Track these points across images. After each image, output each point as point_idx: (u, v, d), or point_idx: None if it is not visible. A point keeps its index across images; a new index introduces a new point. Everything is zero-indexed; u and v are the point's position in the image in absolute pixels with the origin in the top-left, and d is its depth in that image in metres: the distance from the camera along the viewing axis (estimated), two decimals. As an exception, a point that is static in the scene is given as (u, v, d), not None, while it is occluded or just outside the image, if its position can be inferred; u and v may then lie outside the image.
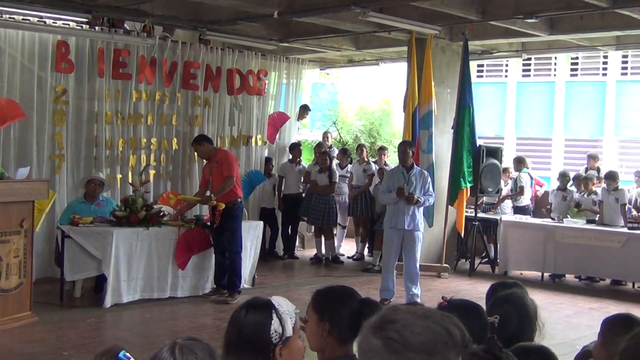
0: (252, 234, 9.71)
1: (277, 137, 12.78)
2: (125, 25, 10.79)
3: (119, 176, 10.40)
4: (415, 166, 9.26)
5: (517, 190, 12.09)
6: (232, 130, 11.98)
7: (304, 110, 13.90)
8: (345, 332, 2.89)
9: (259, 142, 12.31)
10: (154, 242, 8.72)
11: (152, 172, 10.78)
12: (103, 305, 8.26)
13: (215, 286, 9.17)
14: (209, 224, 9.08)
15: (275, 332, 2.55)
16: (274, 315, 2.57)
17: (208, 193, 9.10)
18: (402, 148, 9.28)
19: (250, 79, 11.97)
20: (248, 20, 10.77)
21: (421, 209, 9.15)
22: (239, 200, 9.05)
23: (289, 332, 2.58)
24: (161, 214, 8.97)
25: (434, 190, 10.65)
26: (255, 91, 12.10)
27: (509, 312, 3.20)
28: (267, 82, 12.36)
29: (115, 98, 10.36)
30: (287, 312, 2.61)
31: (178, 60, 11.02)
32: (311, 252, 12.55)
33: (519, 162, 12.35)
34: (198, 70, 11.29)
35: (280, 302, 2.64)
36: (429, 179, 9.17)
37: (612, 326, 2.92)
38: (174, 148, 11.16)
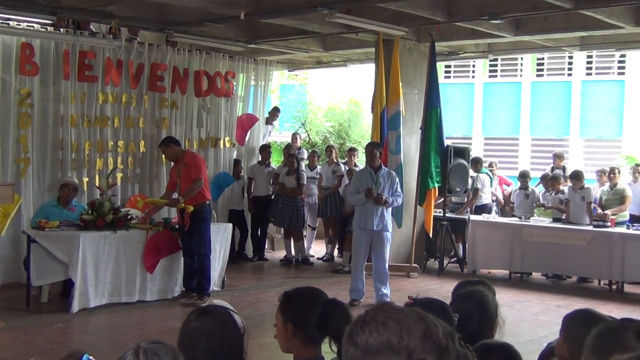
0: (221, 236, 9.68)
1: (246, 139, 12.75)
2: (91, 27, 10.68)
3: (85, 179, 10.28)
4: (383, 167, 9.29)
5: (473, 193, 12.19)
6: (200, 133, 11.94)
7: (275, 112, 13.91)
8: (312, 333, 2.89)
9: (228, 144, 12.28)
10: (122, 245, 8.65)
11: (119, 175, 10.69)
12: (70, 310, 8.17)
13: (184, 289, 9.12)
14: (177, 226, 9.03)
15: (241, 327, 2.64)
16: (232, 313, 2.62)
17: (176, 195, 9.04)
18: (370, 149, 9.32)
19: (218, 80, 11.94)
20: (215, 21, 10.73)
21: (390, 209, 9.19)
22: (208, 202, 9.01)
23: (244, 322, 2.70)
24: (129, 217, 8.90)
25: (402, 190, 10.72)
26: (223, 93, 12.06)
27: (469, 309, 3.23)
28: (235, 83, 12.34)
29: (81, 100, 10.25)
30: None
31: (145, 62, 10.95)
32: (281, 253, 12.54)
33: (476, 163, 12.48)
34: (165, 72, 11.23)
35: (222, 303, 2.72)
36: (397, 180, 9.21)
37: (573, 322, 2.97)
38: (141, 151, 11.07)
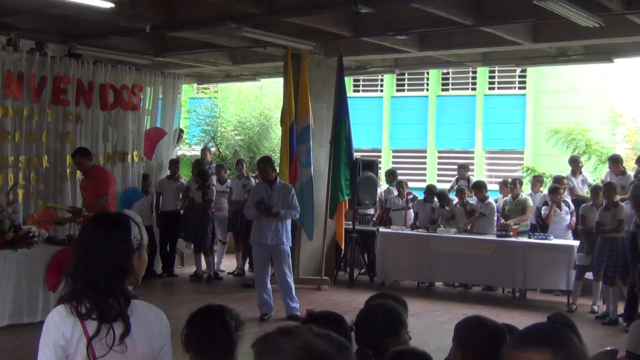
0: (128, 252, 9.45)
1: (155, 153, 12.57)
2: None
3: (-16, 196, 9.90)
4: (278, 181, 9.26)
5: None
6: (107, 147, 11.68)
7: (180, 132, 13.91)
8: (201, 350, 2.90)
9: (136, 159, 12.06)
10: (23, 264, 8.34)
11: (20, 191, 10.34)
12: (-32, 333, 7.83)
13: (89, 308, 8.86)
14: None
15: (135, 238, 2.61)
16: (132, 224, 2.58)
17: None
18: (260, 166, 9.35)
19: (125, 94, 11.72)
20: (121, 34, 10.57)
21: (287, 223, 9.13)
22: (113, 218, 8.81)
23: (145, 239, 2.68)
24: (31, 234, 8.61)
25: (312, 206, 10.81)
26: (130, 106, 11.86)
27: (376, 322, 3.28)
28: (142, 97, 12.14)
29: (-21, 115, 9.89)
30: (140, 222, 2.68)
31: (47, 74, 10.65)
32: (191, 269, 12.39)
33: (390, 175, 12.78)
34: (69, 85, 10.94)
35: (133, 214, 2.69)
36: (292, 192, 9.16)
37: (464, 328, 3.06)
38: (44, 166, 10.75)
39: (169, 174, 12.33)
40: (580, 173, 11.87)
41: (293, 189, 9.32)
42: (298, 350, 1.63)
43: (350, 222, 11.73)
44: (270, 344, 1.67)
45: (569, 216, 10.98)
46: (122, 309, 2.51)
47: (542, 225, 11.27)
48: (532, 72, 17.28)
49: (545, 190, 12.64)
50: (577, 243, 10.25)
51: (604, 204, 9.65)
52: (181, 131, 14.16)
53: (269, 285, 9.17)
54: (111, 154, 11.70)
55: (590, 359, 3.99)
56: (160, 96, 12.75)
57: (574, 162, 11.96)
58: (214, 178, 12.51)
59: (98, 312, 2.49)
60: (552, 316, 2.03)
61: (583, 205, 10.32)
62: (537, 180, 12.31)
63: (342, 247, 11.70)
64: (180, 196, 12.13)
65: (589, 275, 10.05)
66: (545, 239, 10.62)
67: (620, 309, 9.30)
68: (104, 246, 2.55)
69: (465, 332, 2.97)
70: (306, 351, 1.63)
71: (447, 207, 11.96)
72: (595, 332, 8.88)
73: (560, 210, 10.90)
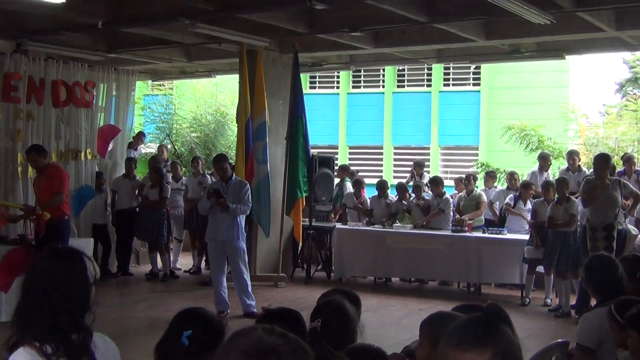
0: (82, 251, 9.32)
1: (109, 150, 12.41)
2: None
3: None
4: (234, 177, 9.28)
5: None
6: (59, 145, 11.50)
7: (139, 136, 13.86)
8: None
9: (89, 157, 11.88)
10: (-27, 265, 8.17)
11: (-30, 190, 10.12)
12: None
13: (42, 308, 8.72)
14: (34, 243, 8.64)
15: (90, 274, 2.61)
16: (86, 259, 2.56)
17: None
18: (215, 164, 9.35)
19: (77, 90, 11.54)
20: (72, 30, 10.40)
21: (240, 220, 9.08)
22: (66, 217, 8.70)
23: (98, 273, 2.67)
24: (-20, 234, 8.44)
25: (268, 203, 10.78)
26: (82, 103, 11.67)
27: (329, 318, 3.28)
28: (95, 94, 11.97)
29: None
30: (91, 257, 2.66)
31: (-4, 71, 10.44)
32: (146, 267, 12.26)
33: (343, 170, 12.83)
34: (20, 82, 10.73)
35: (82, 248, 2.65)
36: (246, 188, 9.14)
37: (429, 325, 3.07)
38: (-6, 164, 10.54)
39: (124, 172, 12.19)
40: (547, 171, 11.93)
41: (248, 185, 9.31)
42: (248, 343, 1.65)
43: (307, 219, 11.73)
44: (224, 347, 1.69)
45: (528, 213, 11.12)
46: (86, 345, 2.48)
47: (501, 219, 11.43)
48: (486, 68, 17.49)
49: (499, 186, 12.84)
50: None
51: (556, 199, 9.81)
52: (142, 135, 14.05)
53: (225, 283, 9.15)
54: (64, 151, 11.51)
55: (542, 351, 4.07)
56: (114, 93, 12.60)
57: (543, 160, 11.98)
58: (170, 175, 12.40)
59: (64, 352, 2.44)
60: (486, 308, 2.04)
61: (535, 200, 10.48)
62: (489, 176, 12.46)
63: (300, 244, 11.70)
64: (137, 193, 12.00)
65: (540, 269, 10.22)
66: (499, 233, 10.76)
67: (572, 301, 9.47)
68: (65, 286, 2.50)
69: (429, 328, 2.98)
70: (256, 344, 1.64)
71: (404, 202, 12.04)
72: (547, 324, 9.03)
73: (525, 206, 11.00)
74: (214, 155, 11.89)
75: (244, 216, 9.24)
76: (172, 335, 2.83)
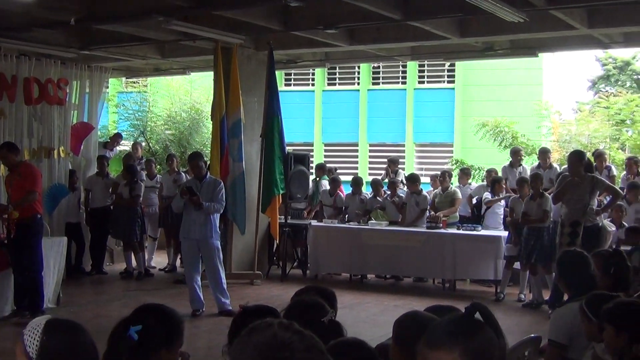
0: (55, 250, 9.26)
1: (82, 148, 12.31)
2: None
3: None
4: (208, 176, 9.22)
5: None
6: (32, 142, 11.37)
7: (116, 138, 13.83)
8: None
9: (62, 154, 11.77)
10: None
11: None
12: None
13: (15, 308, 8.65)
14: (6, 242, 8.55)
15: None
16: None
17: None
18: (190, 162, 9.31)
19: (50, 88, 11.43)
20: (45, 26, 10.28)
21: (214, 218, 9.03)
22: (39, 216, 8.60)
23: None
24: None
25: (243, 200, 10.75)
26: (55, 101, 11.56)
27: (301, 316, 3.28)
28: (68, 91, 11.86)
29: None
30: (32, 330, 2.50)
31: (-33, 68, 10.31)
32: (121, 266, 12.19)
33: (320, 169, 12.86)
34: (-10, 79, 10.62)
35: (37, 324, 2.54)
36: (219, 187, 9.06)
37: (402, 324, 3.08)
38: (-35, 162, 10.38)
39: (97, 170, 12.10)
40: (520, 165, 12.01)
41: (222, 184, 9.23)
42: (263, 338, 1.66)
43: (283, 216, 11.72)
44: (240, 341, 1.70)
45: (501, 209, 11.21)
46: None
47: (476, 216, 11.52)
48: (461, 66, 17.61)
49: (474, 183, 12.94)
50: (505, 234, 10.50)
51: (530, 194, 9.90)
52: (119, 136, 13.98)
53: (200, 281, 9.10)
54: (36, 149, 11.40)
55: (515, 346, 4.10)
56: (87, 90, 12.49)
57: (515, 154, 12.06)
58: (144, 173, 12.33)
59: None
60: (470, 307, 2.05)
61: (511, 197, 10.57)
62: (464, 174, 12.55)
63: (277, 241, 11.69)
64: (111, 190, 11.92)
65: (516, 265, 10.31)
66: (474, 230, 10.84)
67: (546, 296, 9.58)
68: None
69: (402, 328, 3.00)
70: (270, 339, 1.65)
71: (379, 198, 12.08)
72: (521, 319, 9.11)
73: (501, 202, 11.09)
74: (189, 152, 11.88)
75: (218, 214, 9.19)
76: (121, 330, 2.81)
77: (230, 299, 9.07)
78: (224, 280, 9.10)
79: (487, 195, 11.20)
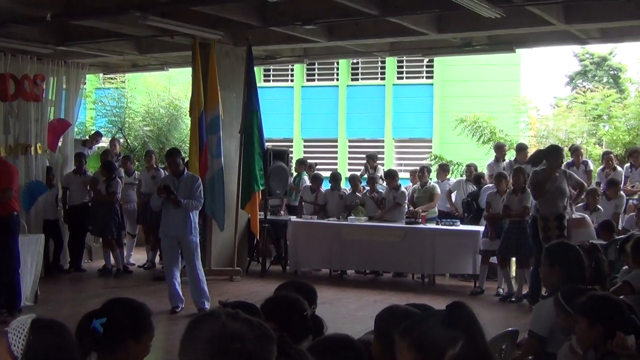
0: (32, 248, 9.18)
1: (59, 145, 12.21)
2: None
3: None
4: (186, 172, 9.12)
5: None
6: (9, 139, 11.27)
7: (96, 136, 13.73)
8: None
9: (39, 151, 11.67)
10: None
11: None
12: None
13: (-7, 306, 8.57)
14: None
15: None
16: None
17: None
18: (168, 158, 9.20)
19: (26, 84, 11.32)
20: (21, 22, 10.18)
21: (193, 215, 8.92)
22: (15, 213, 8.53)
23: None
24: None
25: (222, 197, 10.70)
26: (32, 97, 11.45)
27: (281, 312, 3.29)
28: (45, 87, 11.75)
29: None
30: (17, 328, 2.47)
31: (-58, 64, 10.18)
32: (99, 263, 12.11)
33: (300, 164, 12.88)
34: (-34, 76, 10.50)
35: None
36: (197, 184, 8.97)
37: (383, 319, 3.10)
38: (-60, 159, 10.26)
39: (75, 167, 12.01)
40: (504, 160, 12.10)
41: (200, 181, 9.16)
42: (212, 331, 1.66)
43: (262, 213, 11.71)
44: (193, 324, 1.70)
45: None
46: None
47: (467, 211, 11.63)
48: (439, 62, 17.67)
49: (452, 178, 13.02)
50: (482, 228, 10.54)
51: (512, 188, 9.93)
52: (99, 135, 13.88)
53: (179, 278, 9.04)
54: (13, 146, 11.29)
55: (491, 340, 4.13)
56: (64, 86, 12.40)
57: (499, 149, 12.19)
58: (122, 170, 12.26)
59: None
60: (450, 305, 2.10)
61: (488, 192, 10.62)
62: (442, 169, 12.62)
63: (257, 237, 11.67)
64: (89, 187, 11.83)
65: (493, 259, 10.38)
66: (453, 225, 10.89)
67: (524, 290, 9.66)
68: None
69: (383, 322, 3.01)
70: (220, 332, 1.64)
71: (357, 193, 12.10)
72: (499, 313, 9.18)
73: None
74: (168, 149, 11.79)
75: (197, 211, 9.14)
76: (86, 323, 2.82)
77: (209, 298, 8.92)
78: (202, 278, 8.97)
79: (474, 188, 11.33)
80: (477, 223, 11.00)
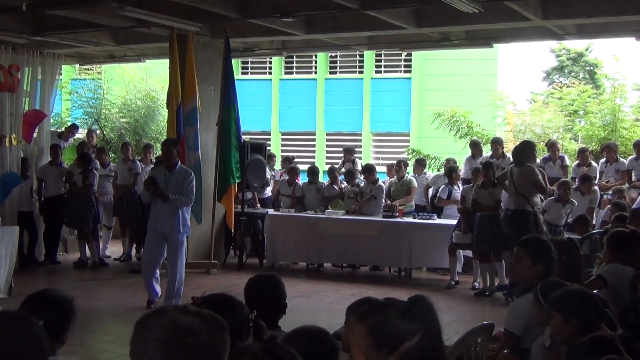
0: (6, 240, 9.09)
1: (35, 136, 12.09)
2: None
3: None
4: (179, 165, 8.80)
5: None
6: (-18, 130, 11.14)
7: (72, 129, 13.54)
8: None
9: (14, 142, 11.54)
10: None
11: None
12: None
13: (-35, 299, 8.48)
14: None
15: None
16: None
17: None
18: (164, 148, 8.95)
19: (1, 74, 11.19)
20: (-5, 12, 10.06)
21: (184, 211, 8.63)
22: (-11, 205, 8.44)
23: None
24: None
25: (202, 189, 10.60)
26: (6, 87, 11.32)
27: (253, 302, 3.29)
28: (20, 77, 11.62)
29: None
30: None
31: None
32: (75, 256, 12.02)
33: (270, 158, 13.00)
34: (-61, 65, 10.35)
35: None
36: (190, 179, 8.62)
37: (353, 309, 3.09)
38: None
39: (50, 159, 11.90)
40: (481, 156, 12.15)
41: (192, 176, 8.73)
42: (163, 329, 1.63)
43: (239, 206, 11.68)
44: (141, 324, 1.66)
45: None
46: None
47: (433, 207, 11.67)
48: (417, 56, 17.70)
49: (429, 172, 13.08)
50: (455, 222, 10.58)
51: (481, 182, 9.96)
52: (75, 127, 13.73)
53: (158, 273, 8.82)
54: (-13, 137, 11.17)
55: (467, 333, 4.16)
56: (40, 77, 12.26)
57: (475, 146, 12.32)
58: (97, 162, 12.17)
59: None
60: (412, 297, 2.13)
61: (464, 186, 10.69)
62: (419, 164, 12.67)
63: (232, 230, 11.62)
64: (64, 179, 11.73)
65: (468, 253, 10.45)
66: (429, 219, 10.94)
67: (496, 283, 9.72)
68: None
69: (351, 312, 3.01)
70: (171, 328, 1.62)
71: (335, 186, 12.12)
72: (475, 307, 9.24)
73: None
74: (145, 141, 11.72)
75: (189, 208, 8.79)
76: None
77: (180, 299, 8.64)
78: (180, 279, 8.67)
79: (443, 186, 11.34)
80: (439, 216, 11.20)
